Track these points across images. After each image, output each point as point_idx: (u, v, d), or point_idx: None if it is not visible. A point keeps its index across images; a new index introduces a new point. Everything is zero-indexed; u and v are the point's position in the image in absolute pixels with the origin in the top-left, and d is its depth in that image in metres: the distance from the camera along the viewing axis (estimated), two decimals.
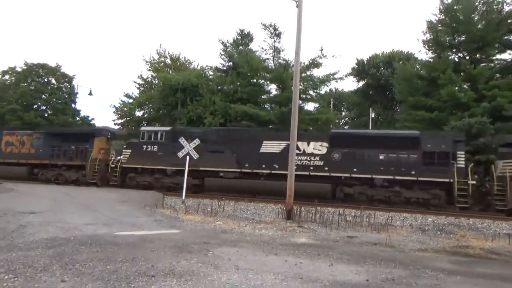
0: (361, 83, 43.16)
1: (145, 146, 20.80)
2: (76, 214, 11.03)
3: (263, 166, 18.66)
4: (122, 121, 37.82)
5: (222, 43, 34.28)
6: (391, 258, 7.16)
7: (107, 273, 5.05)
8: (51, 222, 9.25)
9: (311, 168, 18.23)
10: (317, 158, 18.33)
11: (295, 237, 9.51)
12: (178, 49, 77.56)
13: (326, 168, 17.99)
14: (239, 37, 34.78)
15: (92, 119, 46.79)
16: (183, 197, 16.12)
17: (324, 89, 32.15)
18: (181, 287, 4.62)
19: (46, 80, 43.18)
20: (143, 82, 38.98)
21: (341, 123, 43.65)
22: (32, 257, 5.75)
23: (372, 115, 36.88)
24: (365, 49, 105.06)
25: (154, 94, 34.67)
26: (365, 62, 42.36)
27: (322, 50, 28.29)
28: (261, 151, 19.05)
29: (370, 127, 35.49)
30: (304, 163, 18.26)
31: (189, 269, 5.50)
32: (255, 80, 31.09)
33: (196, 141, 17.40)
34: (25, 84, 41.49)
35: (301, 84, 27.00)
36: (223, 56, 34.46)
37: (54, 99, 42.51)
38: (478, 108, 23.57)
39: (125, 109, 37.77)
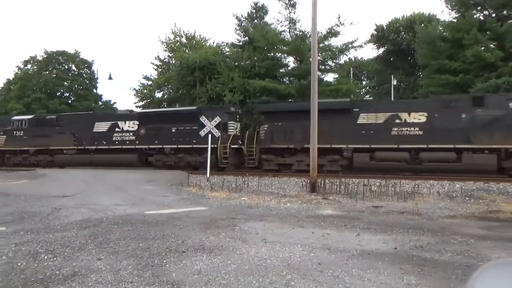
0: (381, 50, 41.78)
1: (15, 132, 25.12)
2: (106, 195, 11.41)
3: (95, 143, 22.81)
4: (143, 103, 38.20)
5: (237, 17, 33.65)
6: (419, 226, 7.12)
7: (140, 251, 5.24)
8: (83, 204, 9.62)
9: (127, 142, 22.14)
10: (131, 134, 22.18)
11: (320, 209, 9.56)
12: (193, 27, 77.11)
13: (137, 142, 21.79)
14: (254, 11, 34.07)
15: (114, 103, 47.64)
16: (208, 175, 16.36)
17: (343, 59, 31.36)
18: (211, 261, 4.75)
19: (66, 67, 44.02)
20: (161, 63, 39.03)
21: (362, 93, 42.71)
22: (69, 238, 6.02)
23: (394, 82, 35.89)
24: (384, 14, 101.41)
25: (172, 74, 34.68)
26: (385, 27, 40.86)
27: (339, 18, 27.41)
28: (94, 130, 23.11)
29: (392, 95, 34.63)
30: (122, 139, 22.36)
31: (218, 244, 5.64)
32: (272, 54, 30.57)
33: (217, 119, 17.46)
34: (47, 72, 42.42)
35: (319, 54, 26.39)
36: (238, 31, 33.92)
37: (76, 86, 43.38)
38: (506, 68, 22.55)
39: (145, 91, 38.08)
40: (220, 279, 4.11)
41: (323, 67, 28.16)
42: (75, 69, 44.50)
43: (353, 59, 38.22)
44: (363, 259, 4.92)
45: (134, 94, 38.46)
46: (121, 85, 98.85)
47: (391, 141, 16.89)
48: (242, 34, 33.50)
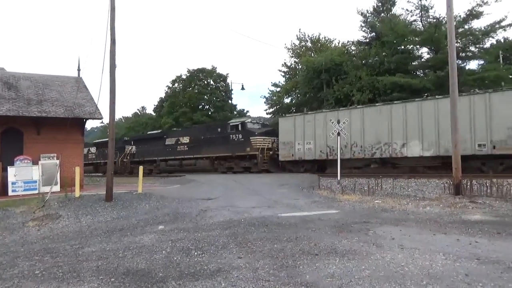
0: None
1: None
2: (244, 199, 12.28)
3: None
4: (273, 109, 39.85)
5: (362, 14, 32.53)
6: None
7: (275, 251, 5.52)
8: (224, 206, 10.57)
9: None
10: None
11: (467, 213, 8.57)
12: (317, 30, 77.31)
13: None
14: (380, 4, 32.50)
15: (247, 111, 50.89)
16: (339, 178, 16.18)
17: (489, 42, 27.40)
18: (344, 265, 4.72)
19: (205, 82, 48.88)
20: (288, 70, 40.21)
21: None
22: (213, 237, 6.72)
23: None
24: None
25: (299, 79, 35.40)
26: None
27: None
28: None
29: None
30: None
31: (350, 248, 5.57)
32: (402, 47, 28.60)
33: (346, 120, 17.22)
34: (190, 88, 47.78)
35: (458, 41, 23.63)
36: (364, 28, 32.73)
37: (214, 98, 47.78)
38: None
39: (274, 98, 39.68)
40: (354, 284, 4.05)
41: (463, 54, 25.09)
42: (213, 83, 49.10)
43: (501, 40, 32.99)
44: None
45: (265, 102, 40.49)
46: (252, 94, 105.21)
47: (176, 154, 28.64)
48: (368, 30, 32.25)
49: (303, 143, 21.34)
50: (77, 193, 12.64)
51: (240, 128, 24.43)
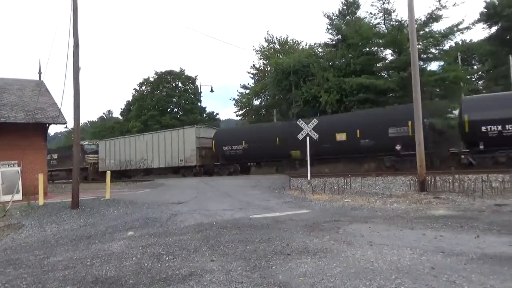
0: (494, 28, 36.96)
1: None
2: (215, 201, 12.20)
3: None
4: (243, 111, 39.91)
5: (328, 16, 33.17)
6: None
7: (248, 253, 5.52)
8: (195, 210, 10.46)
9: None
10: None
11: (431, 209, 8.90)
12: (285, 33, 78.17)
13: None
14: (345, 7, 33.27)
15: (217, 114, 50.72)
16: (309, 178, 16.38)
17: (448, 44, 28.59)
18: (316, 264, 4.78)
19: (174, 84, 48.25)
20: (257, 71, 40.40)
21: (473, 79, 38.33)
22: (185, 241, 6.63)
23: None
24: None
25: (268, 81, 35.64)
26: (497, 2, 36.10)
27: (440, 0, 25.15)
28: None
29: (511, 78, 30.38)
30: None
31: (322, 246, 5.64)
32: (367, 49, 29.34)
33: (314, 121, 17.47)
34: (158, 91, 47.03)
35: (420, 43, 24.47)
36: (330, 30, 33.39)
37: (183, 101, 47.25)
38: None
39: (244, 100, 39.76)
40: (326, 282, 4.11)
41: (425, 55, 26.01)
42: (181, 86, 48.57)
43: (460, 43, 34.53)
44: (484, 264, 4.45)
45: (234, 104, 40.50)
46: (222, 96, 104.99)
47: (50, 167, 30.09)
48: (334, 33, 32.91)
49: (109, 159, 31.78)
50: (40, 201, 12.15)
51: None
